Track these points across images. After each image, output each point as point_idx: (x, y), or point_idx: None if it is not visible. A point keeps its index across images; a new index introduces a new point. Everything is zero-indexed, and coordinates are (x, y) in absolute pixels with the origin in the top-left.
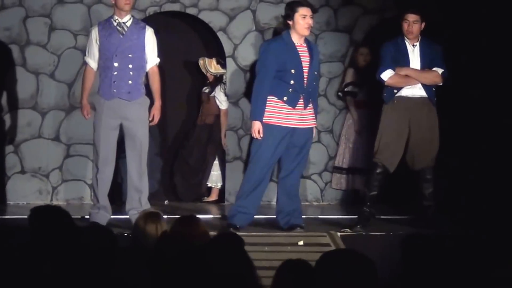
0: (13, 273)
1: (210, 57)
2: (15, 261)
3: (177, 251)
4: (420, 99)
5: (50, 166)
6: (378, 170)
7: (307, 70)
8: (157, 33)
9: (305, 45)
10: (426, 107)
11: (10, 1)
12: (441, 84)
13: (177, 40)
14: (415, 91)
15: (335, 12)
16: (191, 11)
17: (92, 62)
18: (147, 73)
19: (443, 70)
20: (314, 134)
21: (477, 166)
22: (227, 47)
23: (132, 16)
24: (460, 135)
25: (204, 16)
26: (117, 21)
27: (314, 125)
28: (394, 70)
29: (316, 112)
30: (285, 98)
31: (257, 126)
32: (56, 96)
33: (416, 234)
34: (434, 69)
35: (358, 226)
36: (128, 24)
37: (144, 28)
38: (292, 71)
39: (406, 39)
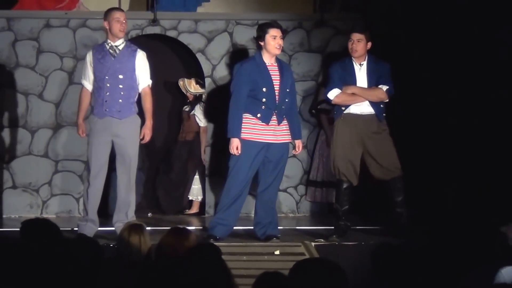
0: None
1: (189, 77)
2: (8, 269)
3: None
4: (369, 115)
5: (40, 181)
6: (345, 186)
7: (278, 88)
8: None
9: (276, 64)
10: (375, 123)
11: (0, 26)
12: (387, 100)
13: (158, 62)
14: (363, 108)
15: (308, 34)
16: (171, 33)
17: (87, 83)
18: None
19: (388, 87)
20: (299, 149)
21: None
22: (206, 68)
23: (126, 40)
24: (421, 143)
25: (184, 38)
26: (109, 44)
27: (288, 141)
28: (341, 89)
29: (298, 128)
30: (258, 115)
31: (235, 142)
32: (45, 115)
33: (386, 244)
34: (380, 86)
35: (334, 236)
36: (121, 47)
37: (136, 51)
38: (264, 89)
39: (353, 58)
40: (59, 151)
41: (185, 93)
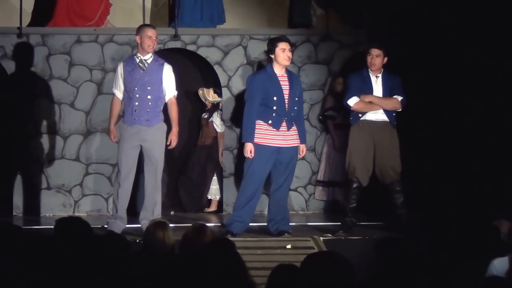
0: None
1: (208, 87)
2: (44, 263)
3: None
4: (382, 122)
5: (72, 183)
6: (354, 186)
7: (287, 97)
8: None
9: (286, 75)
10: (387, 130)
11: (35, 41)
12: (400, 110)
13: (179, 73)
14: (378, 115)
15: (315, 47)
16: (191, 47)
17: (118, 92)
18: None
19: (402, 98)
20: (303, 153)
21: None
22: (222, 78)
23: (154, 54)
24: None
25: (202, 52)
26: (139, 58)
27: (298, 144)
28: (359, 97)
29: (303, 134)
30: (270, 122)
31: (249, 147)
32: (76, 123)
33: (388, 238)
34: (395, 96)
35: (341, 231)
36: (149, 61)
37: (163, 64)
38: (275, 98)
39: (370, 70)
40: (89, 155)
41: (204, 101)
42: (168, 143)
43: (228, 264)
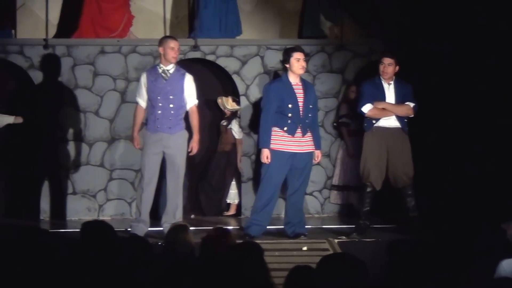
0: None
1: (226, 95)
2: (70, 265)
3: (210, 257)
4: (395, 129)
5: (96, 188)
6: (368, 190)
7: (302, 104)
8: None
9: (300, 83)
10: (400, 136)
11: (60, 52)
12: (413, 116)
13: (199, 82)
14: (391, 122)
15: (329, 56)
16: (210, 57)
17: (142, 101)
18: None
19: (414, 104)
20: (318, 158)
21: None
22: (241, 87)
23: (175, 64)
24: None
25: (221, 62)
26: (162, 68)
27: (312, 150)
28: (372, 104)
29: (318, 140)
30: (285, 128)
31: (265, 152)
32: (100, 130)
33: (400, 240)
34: (407, 103)
35: (354, 234)
36: (171, 71)
37: (184, 74)
38: (290, 105)
39: (382, 78)
40: (113, 161)
41: (223, 109)
42: (189, 150)
43: (254, 268)
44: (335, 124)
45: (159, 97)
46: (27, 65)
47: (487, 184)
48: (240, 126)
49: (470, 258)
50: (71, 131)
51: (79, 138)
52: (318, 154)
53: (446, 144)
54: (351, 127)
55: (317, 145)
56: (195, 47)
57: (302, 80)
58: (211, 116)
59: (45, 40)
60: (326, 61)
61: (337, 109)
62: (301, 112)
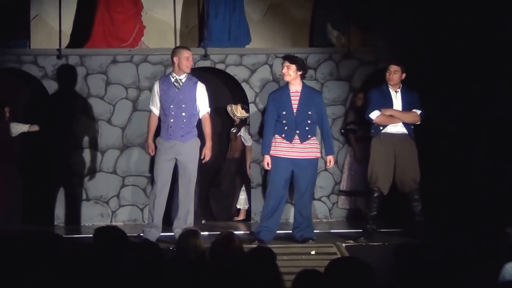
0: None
1: (236, 103)
2: (84, 270)
3: (219, 262)
4: (402, 135)
5: (109, 194)
6: (375, 195)
7: (296, 111)
8: None
9: (300, 91)
10: (407, 142)
11: (73, 62)
12: (419, 123)
13: (209, 91)
14: (398, 128)
15: (337, 65)
16: (220, 66)
17: (155, 109)
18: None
19: (421, 112)
20: (331, 164)
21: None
22: (250, 95)
23: (187, 73)
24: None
25: (231, 70)
26: (174, 77)
27: (314, 157)
28: (380, 111)
29: (329, 145)
30: (283, 135)
31: (266, 159)
32: (113, 138)
33: (406, 244)
34: (414, 110)
35: (362, 238)
36: (183, 80)
37: (196, 83)
38: (284, 113)
39: (390, 85)
40: (125, 168)
41: (232, 117)
42: (202, 157)
43: (268, 272)
44: (342, 130)
45: (171, 106)
46: (41, 74)
47: (492, 187)
48: (249, 133)
49: (475, 261)
50: (84, 139)
51: (92, 145)
52: (330, 159)
53: (450, 149)
54: (359, 134)
55: (328, 151)
56: (205, 56)
57: (306, 87)
58: (221, 123)
59: (59, 50)
60: (334, 69)
61: (344, 116)
62: (295, 118)
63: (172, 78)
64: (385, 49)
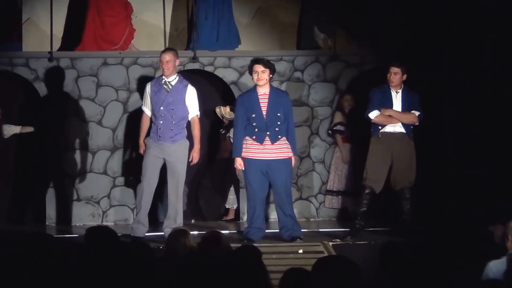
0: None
1: (224, 105)
2: (75, 269)
3: (206, 261)
4: (400, 134)
5: (100, 195)
6: (366, 191)
7: (265, 113)
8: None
9: (268, 93)
10: (405, 141)
11: (65, 65)
12: (418, 124)
13: (198, 92)
14: (396, 128)
15: (323, 67)
16: (209, 68)
17: (147, 110)
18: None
19: (419, 113)
20: (292, 164)
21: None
22: None
23: (178, 75)
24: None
25: (219, 73)
26: (164, 80)
27: (286, 157)
28: (380, 111)
29: (292, 146)
30: (254, 137)
31: (237, 161)
32: (103, 139)
33: (392, 243)
34: (413, 111)
35: (349, 237)
36: (173, 82)
37: (186, 86)
38: (253, 115)
39: (390, 86)
40: (115, 169)
41: (221, 118)
42: (190, 160)
43: (254, 270)
44: (329, 131)
45: (161, 108)
46: (32, 77)
47: (475, 187)
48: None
49: (459, 260)
50: (75, 140)
51: (83, 147)
52: (292, 160)
53: (441, 150)
54: (345, 134)
55: (292, 151)
56: (194, 59)
57: (273, 89)
58: (210, 125)
59: (50, 53)
60: (321, 71)
61: (331, 117)
62: (265, 120)
63: (162, 80)
64: (370, 52)
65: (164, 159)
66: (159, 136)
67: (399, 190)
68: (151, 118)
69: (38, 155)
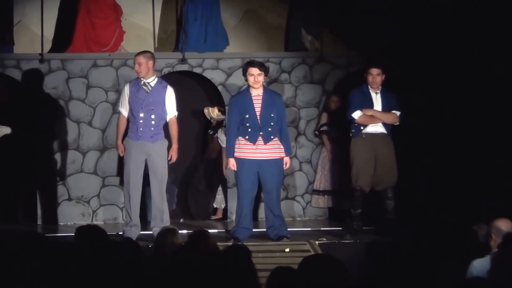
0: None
1: (213, 106)
2: (65, 268)
3: (193, 259)
4: (381, 134)
5: (90, 194)
6: (358, 193)
7: (259, 114)
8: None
9: (261, 95)
10: (386, 141)
11: (55, 66)
12: (398, 123)
13: (186, 93)
14: (378, 128)
15: (310, 68)
16: (197, 70)
17: (124, 111)
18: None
19: (400, 113)
20: (287, 165)
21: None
22: (226, 98)
23: (157, 76)
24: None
25: (207, 74)
26: (143, 81)
27: (279, 157)
28: (362, 111)
29: (286, 147)
30: (247, 137)
31: (231, 161)
32: (93, 139)
33: (377, 241)
34: (393, 111)
35: (347, 236)
36: (153, 83)
37: (166, 87)
38: (247, 116)
39: (370, 88)
40: (105, 169)
41: (209, 119)
42: (169, 159)
43: (243, 269)
44: (316, 132)
45: (141, 108)
46: (23, 78)
47: (460, 186)
48: (226, 135)
49: (442, 257)
50: (65, 140)
51: (73, 147)
52: (286, 161)
53: (420, 148)
54: (331, 135)
55: (285, 152)
56: (183, 60)
57: (267, 91)
58: (198, 125)
59: (41, 54)
60: (308, 73)
61: (318, 118)
62: (259, 121)
63: (141, 81)
64: (357, 53)
65: (145, 159)
66: (139, 136)
67: (382, 189)
68: (128, 119)
69: (29, 155)
